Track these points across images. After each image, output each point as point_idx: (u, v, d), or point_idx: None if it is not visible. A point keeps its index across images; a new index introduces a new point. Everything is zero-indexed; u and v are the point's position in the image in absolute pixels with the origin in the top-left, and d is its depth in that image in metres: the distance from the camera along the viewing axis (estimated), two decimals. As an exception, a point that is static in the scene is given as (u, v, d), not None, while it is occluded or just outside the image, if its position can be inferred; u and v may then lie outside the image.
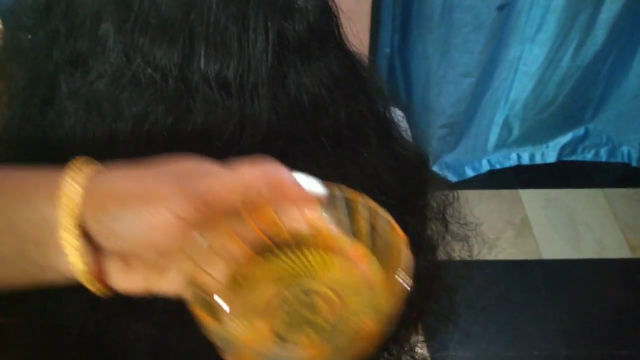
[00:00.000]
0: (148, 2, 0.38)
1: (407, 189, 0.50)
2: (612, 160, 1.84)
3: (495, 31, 1.44)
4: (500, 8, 1.37)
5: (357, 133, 0.46)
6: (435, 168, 1.78)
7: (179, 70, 0.39)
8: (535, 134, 1.78)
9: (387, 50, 1.51)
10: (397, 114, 0.93)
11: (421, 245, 0.54)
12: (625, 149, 1.81)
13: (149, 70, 0.39)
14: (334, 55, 0.44)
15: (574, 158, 1.86)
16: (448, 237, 0.58)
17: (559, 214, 1.72)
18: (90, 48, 0.40)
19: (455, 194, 0.58)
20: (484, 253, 1.53)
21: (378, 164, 0.48)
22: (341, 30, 0.46)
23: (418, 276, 0.53)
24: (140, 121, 0.40)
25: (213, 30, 0.38)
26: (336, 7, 0.46)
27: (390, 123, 0.52)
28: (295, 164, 0.44)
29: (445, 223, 0.57)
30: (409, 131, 0.91)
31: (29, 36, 0.42)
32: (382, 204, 0.48)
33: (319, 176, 0.45)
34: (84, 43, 0.40)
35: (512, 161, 1.84)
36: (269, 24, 0.40)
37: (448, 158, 1.79)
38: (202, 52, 0.39)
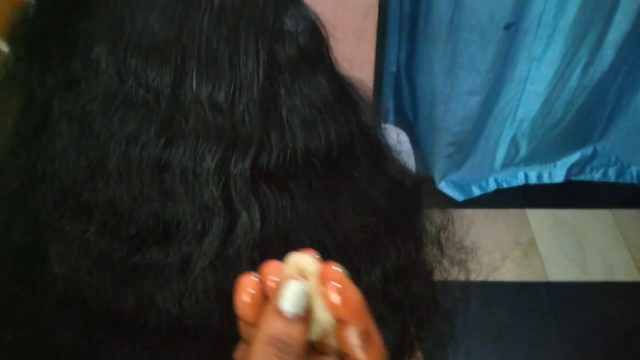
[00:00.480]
0: (140, 24, 0.38)
1: (399, 211, 0.50)
2: (621, 180, 1.81)
3: (502, 50, 1.43)
4: (507, 27, 1.37)
5: (347, 154, 0.46)
6: (441, 186, 1.77)
7: (171, 91, 0.39)
8: (542, 153, 1.77)
9: (394, 68, 1.51)
10: (401, 135, 0.93)
11: (415, 269, 0.53)
12: (634, 169, 1.79)
13: (142, 91, 0.39)
14: (324, 77, 0.44)
15: (582, 178, 1.84)
16: (445, 262, 0.58)
17: (566, 234, 1.69)
18: (84, 70, 0.40)
19: (451, 217, 0.57)
20: (489, 274, 1.52)
21: (369, 186, 0.47)
22: (331, 52, 0.47)
23: (414, 301, 0.53)
24: (132, 142, 0.40)
25: (204, 51, 0.39)
26: (325, 30, 0.46)
27: (382, 144, 0.52)
28: (285, 185, 0.44)
29: (441, 247, 0.57)
30: (412, 152, 0.91)
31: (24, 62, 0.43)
32: (374, 225, 0.47)
33: (310, 197, 0.45)
34: (77, 66, 0.40)
35: (520, 180, 1.82)
36: (260, 45, 0.40)
37: (454, 176, 1.78)
38: (194, 73, 0.39)
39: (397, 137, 0.65)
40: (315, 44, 0.43)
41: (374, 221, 0.47)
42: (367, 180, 0.47)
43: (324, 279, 0.29)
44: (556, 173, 1.81)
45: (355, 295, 0.29)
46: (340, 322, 0.29)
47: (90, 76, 0.40)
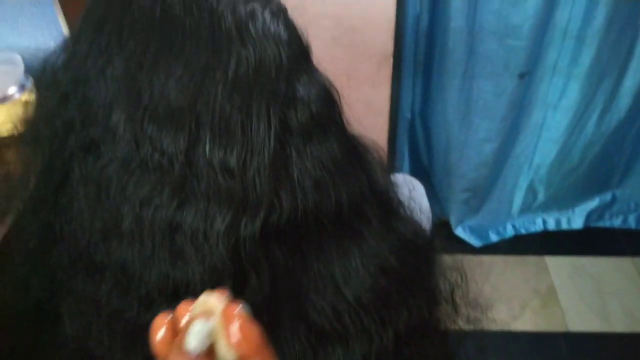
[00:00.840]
0: (157, 93, 0.40)
1: (410, 270, 0.50)
2: (642, 227, 1.78)
3: (517, 98, 1.44)
4: (522, 76, 1.38)
5: (358, 214, 0.47)
6: (458, 231, 1.76)
7: (185, 156, 0.40)
8: (561, 199, 1.75)
9: (408, 114, 1.53)
10: (416, 185, 0.93)
11: (428, 330, 0.52)
12: (655, 216, 1.76)
13: (156, 155, 0.40)
14: (336, 140, 0.45)
15: (601, 224, 1.81)
16: (459, 320, 0.57)
17: (587, 282, 1.65)
18: (103, 135, 0.42)
19: (465, 274, 0.57)
20: (508, 323, 1.48)
21: (379, 245, 0.48)
22: (343, 115, 0.48)
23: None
24: (145, 204, 0.41)
25: (218, 118, 0.40)
26: (338, 94, 0.47)
27: (393, 202, 0.52)
28: (296, 246, 0.45)
29: (455, 306, 0.56)
30: (427, 203, 0.91)
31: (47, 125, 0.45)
32: (385, 285, 0.47)
33: (321, 257, 0.45)
34: (97, 131, 0.42)
35: (538, 226, 1.80)
36: (272, 112, 0.41)
37: (471, 222, 1.76)
38: (207, 139, 0.40)
39: (411, 187, 0.66)
40: (327, 109, 0.45)
41: (386, 281, 0.47)
42: (378, 239, 0.47)
43: (226, 317, 0.31)
44: (575, 219, 1.79)
45: (255, 332, 0.30)
46: (242, 359, 0.30)
47: (109, 141, 0.42)
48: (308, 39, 0.47)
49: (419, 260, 0.52)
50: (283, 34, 0.43)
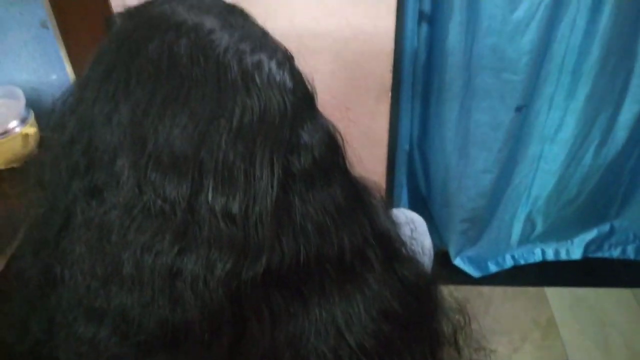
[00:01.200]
0: (162, 141, 0.40)
1: (413, 315, 0.50)
2: (641, 258, 1.78)
3: (514, 130, 1.45)
4: (519, 109, 1.39)
5: (361, 258, 0.47)
6: (457, 262, 1.75)
7: (187, 203, 0.40)
8: (559, 230, 1.75)
9: (407, 146, 1.53)
10: (417, 220, 0.93)
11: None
12: (653, 247, 1.76)
13: (159, 202, 0.41)
14: (338, 185, 0.45)
15: (600, 255, 1.80)
16: (461, 362, 0.56)
17: (587, 314, 1.64)
18: (106, 181, 0.42)
19: (467, 318, 0.56)
20: (509, 356, 1.46)
21: (382, 289, 0.48)
22: (346, 158, 0.48)
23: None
24: (146, 250, 0.41)
25: (221, 166, 0.40)
26: (341, 138, 0.48)
27: (396, 245, 0.52)
28: (297, 291, 0.45)
29: (458, 348, 0.56)
30: (429, 240, 0.91)
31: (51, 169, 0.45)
32: (388, 330, 0.47)
33: (322, 302, 0.45)
34: (101, 176, 0.42)
35: (537, 257, 1.79)
36: (275, 159, 0.41)
37: (470, 252, 1.76)
38: (210, 186, 0.40)
39: (413, 227, 0.66)
40: (330, 154, 0.45)
41: (389, 326, 0.47)
42: (381, 283, 0.47)
43: None
44: (573, 250, 1.78)
45: None
46: None
47: (112, 186, 0.42)
48: (313, 84, 0.48)
49: (422, 303, 0.51)
50: (288, 82, 0.43)
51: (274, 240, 0.42)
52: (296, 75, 0.45)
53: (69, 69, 1.05)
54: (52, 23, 0.99)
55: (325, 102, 1.33)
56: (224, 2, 0.48)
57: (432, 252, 0.73)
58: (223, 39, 0.42)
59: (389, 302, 0.48)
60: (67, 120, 0.45)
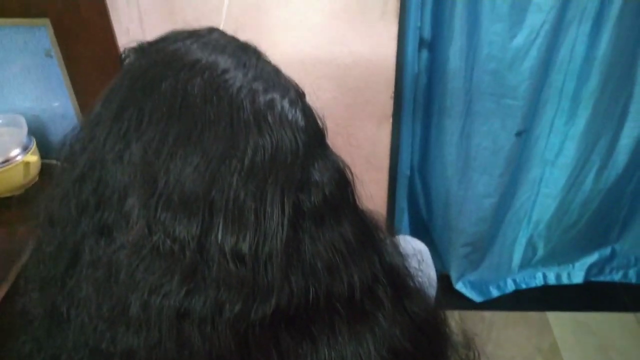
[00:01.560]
0: (173, 180, 0.40)
1: (423, 353, 0.49)
2: (643, 282, 1.77)
3: (515, 155, 1.46)
4: (519, 134, 1.40)
5: (370, 296, 0.46)
6: (459, 286, 1.74)
7: (197, 243, 0.40)
8: (560, 254, 1.74)
9: (408, 171, 1.54)
10: (424, 252, 0.92)
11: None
12: (655, 271, 1.76)
13: (168, 242, 0.40)
14: (348, 221, 0.45)
15: (601, 279, 1.79)
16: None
17: (590, 339, 1.63)
18: (116, 220, 0.42)
19: (477, 353, 0.56)
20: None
21: (392, 327, 0.47)
22: (356, 194, 0.48)
23: None
24: (154, 291, 0.40)
25: (232, 205, 0.40)
26: (351, 173, 0.48)
27: (405, 280, 0.52)
28: (307, 330, 0.44)
29: (466, 384, 0.55)
30: (434, 272, 0.90)
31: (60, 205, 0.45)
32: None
33: (332, 342, 0.45)
34: (111, 215, 0.42)
35: (538, 281, 1.79)
36: (286, 198, 0.41)
37: (472, 276, 1.75)
38: (221, 226, 0.40)
39: (420, 258, 0.66)
40: (340, 191, 0.45)
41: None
42: (391, 321, 0.47)
43: None
44: (575, 274, 1.78)
45: None
46: None
47: (122, 226, 0.41)
48: (324, 120, 0.48)
49: (432, 341, 0.51)
50: (300, 121, 0.43)
51: (283, 280, 0.41)
52: (308, 113, 0.45)
53: (71, 97, 1.05)
54: (56, 52, 1.00)
55: (327, 129, 1.34)
56: (238, 41, 0.49)
57: (436, 283, 0.73)
58: (237, 78, 0.42)
59: (400, 341, 0.47)
60: (78, 157, 0.45)
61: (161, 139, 0.40)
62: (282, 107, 0.43)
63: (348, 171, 0.47)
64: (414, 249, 0.74)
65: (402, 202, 1.65)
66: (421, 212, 1.71)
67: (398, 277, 0.51)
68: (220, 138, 0.40)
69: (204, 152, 0.40)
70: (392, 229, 1.60)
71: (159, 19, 1.17)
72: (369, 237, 0.48)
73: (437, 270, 0.91)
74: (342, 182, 0.46)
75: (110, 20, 0.93)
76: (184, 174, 0.40)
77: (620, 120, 1.40)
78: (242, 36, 1.22)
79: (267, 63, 0.47)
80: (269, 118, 0.41)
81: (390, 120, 1.33)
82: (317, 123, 0.46)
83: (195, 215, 0.40)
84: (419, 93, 1.41)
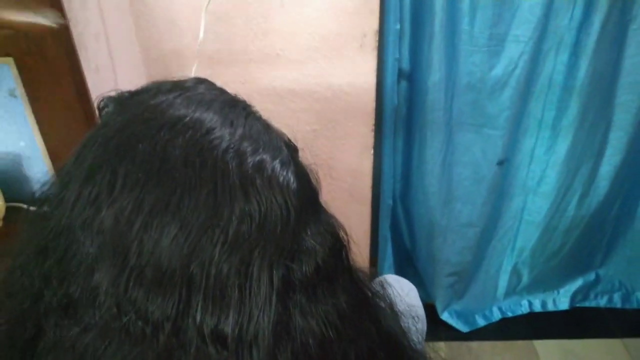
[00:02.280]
0: (147, 253, 0.35)
1: None
2: (628, 306, 1.76)
3: (497, 184, 1.44)
4: (500, 163, 1.39)
5: None
6: (445, 316, 1.71)
7: (172, 324, 0.35)
8: (545, 281, 1.73)
9: (390, 202, 1.51)
10: (410, 287, 0.89)
11: None
12: (639, 294, 1.75)
13: (140, 323, 0.35)
14: (343, 290, 0.41)
15: (587, 304, 1.78)
16: None
17: (578, 367, 1.61)
18: (82, 296, 0.37)
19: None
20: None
21: None
22: (350, 257, 0.44)
23: None
24: None
25: (213, 281, 0.35)
26: (346, 234, 0.43)
27: (404, 347, 0.48)
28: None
29: None
30: (419, 302, 0.87)
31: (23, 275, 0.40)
32: None
33: None
34: (76, 290, 0.37)
35: (524, 308, 1.76)
36: (274, 271, 0.37)
37: (457, 306, 1.72)
38: (200, 305, 0.35)
39: (413, 313, 0.62)
40: (334, 257, 0.41)
41: None
42: None
43: None
44: (560, 300, 1.76)
45: None
46: None
47: (88, 303, 0.37)
48: (318, 177, 0.44)
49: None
50: (292, 184, 0.39)
51: None
52: (301, 173, 0.41)
53: (37, 138, 1.00)
54: (20, 92, 0.95)
55: (308, 162, 1.30)
56: (227, 95, 0.44)
57: (425, 328, 0.69)
58: (223, 138, 0.38)
59: None
60: (44, 221, 0.40)
61: (135, 206, 0.36)
62: (273, 169, 0.38)
63: (342, 232, 0.43)
64: (402, 291, 0.70)
65: (385, 232, 1.62)
66: (404, 242, 1.68)
67: (396, 346, 0.46)
68: (202, 205, 0.36)
69: (183, 222, 0.35)
70: (376, 265, 1.55)
71: (130, 55, 1.13)
72: (366, 306, 0.44)
73: (422, 300, 0.87)
74: (336, 247, 0.41)
75: (78, 58, 0.89)
76: (159, 247, 0.35)
77: (601, 148, 1.40)
78: (218, 70, 1.18)
79: (257, 119, 0.42)
80: (258, 182, 0.37)
81: (372, 151, 1.31)
82: (310, 183, 0.42)
83: (171, 293, 0.35)
84: (400, 124, 1.39)
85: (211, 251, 0.35)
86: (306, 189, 0.40)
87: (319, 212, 0.41)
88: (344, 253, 0.42)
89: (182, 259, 0.35)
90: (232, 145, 0.37)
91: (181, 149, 0.36)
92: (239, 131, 0.39)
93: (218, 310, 0.35)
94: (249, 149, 0.38)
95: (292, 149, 0.42)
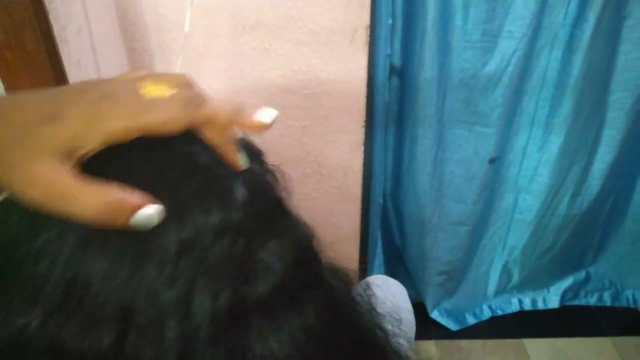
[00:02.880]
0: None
1: None
2: (617, 304, 1.76)
3: (488, 182, 1.43)
4: (492, 161, 1.37)
5: None
6: (435, 315, 1.70)
7: None
8: (535, 279, 1.72)
9: (380, 200, 1.49)
10: (398, 290, 0.87)
11: None
12: (629, 292, 1.75)
13: None
14: (311, 304, 0.36)
15: (577, 303, 1.78)
16: None
17: (568, 366, 1.60)
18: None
19: None
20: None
21: None
22: (323, 266, 0.39)
23: None
24: None
25: (150, 318, 0.31)
26: (318, 239, 0.39)
27: (387, 354, 0.45)
28: None
29: None
30: (409, 304, 0.85)
31: None
32: None
33: None
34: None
35: (514, 306, 1.76)
36: (220, 300, 0.31)
37: (447, 304, 1.70)
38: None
39: (398, 316, 0.59)
40: (299, 270, 0.35)
41: None
42: None
43: None
44: (550, 298, 1.76)
45: None
46: None
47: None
48: (287, 178, 0.39)
49: None
50: (237, 204, 0.32)
51: None
52: (256, 187, 0.35)
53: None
54: (-1, 86, 0.91)
55: (298, 159, 1.28)
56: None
57: (413, 318, 0.66)
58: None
59: None
60: None
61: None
62: (216, 193, 0.33)
63: (314, 238, 0.38)
64: (388, 293, 0.66)
65: (376, 231, 1.60)
66: (395, 240, 1.66)
67: (376, 353, 0.43)
68: (134, 238, 0.31)
69: (113, 257, 0.30)
70: (364, 265, 1.51)
71: (114, 48, 1.10)
72: (341, 316, 0.39)
73: (412, 299, 0.85)
74: (302, 258, 0.35)
75: (58, 53, 0.85)
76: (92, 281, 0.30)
77: (594, 145, 1.39)
78: (205, 65, 1.14)
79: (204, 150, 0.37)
80: (195, 209, 0.32)
81: (362, 148, 1.29)
82: (269, 194, 0.36)
83: (107, 330, 0.31)
84: (391, 121, 1.37)
85: (148, 285, 0.31)
86: (263, 202, 0.35)
87: (280, 223, 0.36)
88: (313, 263, 0.38)
89: (115, 294, 0.31)
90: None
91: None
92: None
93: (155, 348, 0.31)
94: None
95: (255, 153, 0.38)
